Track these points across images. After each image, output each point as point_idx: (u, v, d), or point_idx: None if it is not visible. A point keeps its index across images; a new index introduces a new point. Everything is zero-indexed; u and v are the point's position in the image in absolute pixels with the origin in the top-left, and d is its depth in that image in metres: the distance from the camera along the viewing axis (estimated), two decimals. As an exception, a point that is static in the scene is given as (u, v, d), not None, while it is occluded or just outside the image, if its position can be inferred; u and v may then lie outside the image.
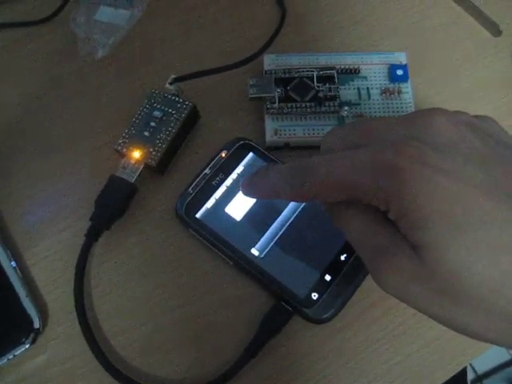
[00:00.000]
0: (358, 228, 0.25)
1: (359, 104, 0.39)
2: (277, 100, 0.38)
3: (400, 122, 0.25)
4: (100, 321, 0.34)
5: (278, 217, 0.35)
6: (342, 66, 0.40)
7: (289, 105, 0.38)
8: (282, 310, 0.33)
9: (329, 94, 0.38)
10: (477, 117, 0.26)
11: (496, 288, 0.20)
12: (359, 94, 0.40)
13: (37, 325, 0.33)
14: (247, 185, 0.30)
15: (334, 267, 0.34)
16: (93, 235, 0.35)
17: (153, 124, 0.37)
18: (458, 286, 0.21)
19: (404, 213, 0.22)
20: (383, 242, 0.23)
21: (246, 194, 0.30)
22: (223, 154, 0.37)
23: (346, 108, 0.38)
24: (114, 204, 0.35)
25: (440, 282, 0.21)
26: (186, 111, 0.38)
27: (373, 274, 0.24)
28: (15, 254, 0.36)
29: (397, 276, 0.22)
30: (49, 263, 0.36)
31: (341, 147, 0.25)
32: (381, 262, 0.23)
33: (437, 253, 0.21)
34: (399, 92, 0.40)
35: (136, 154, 0.36)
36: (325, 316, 0.33)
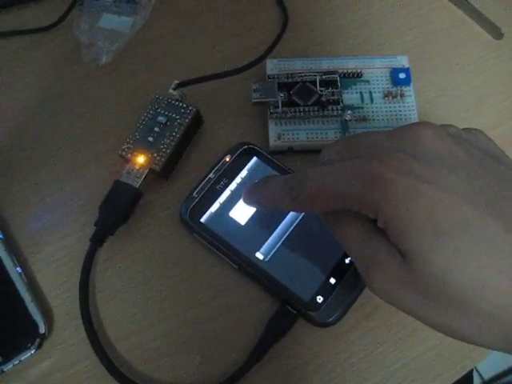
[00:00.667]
0: (350, 236, 0.26)
1: (362, 108, 0.39)
2: (280, 104, 0.38)
3: (389, 135, 0.26)
4: (105, 326, 0.34)
5: (283, 220, 0.35)
6: (345, 70, 0.40)
7: (292, 109, 0.38)
8: (286, 314, 0.33)
9: (332, 97, 0.39)
10: (465, 129, 0.27)
11: (477, 291, 0.21)
12: (362, 97, 0.40)
13: (42, 330, 0.33)
14: (248, 194, 0.32)
15: (339, 270, 0.34)
16: (97, 240, 0.35)
17: (157, 129, 0.37)
18: (443, 290, 0.22)
19: (390, 221, 0.23)
20: (374, 250, 0.24)
21: (247, 203, 0.32)
22: (227, 159, 0.37)
23: (349, 112, 0.38)
24: (118, 209, 0.35)
25: (427, 287, 0.22)
26: (189, 116, 0.38)
27: (365, 280, 0.25)
28: (20, 260, 0.36)
29: (387, 282, 0.24)
30: (54, 269, 0.36)
31: (336, 160, 0.27)
32: (373, 270, 0.24)
33: (422, 259, 0.22)
34: (402, 95, 0.40)
35: (140, 159, 0.36)
36: (330, 319, 0.33)
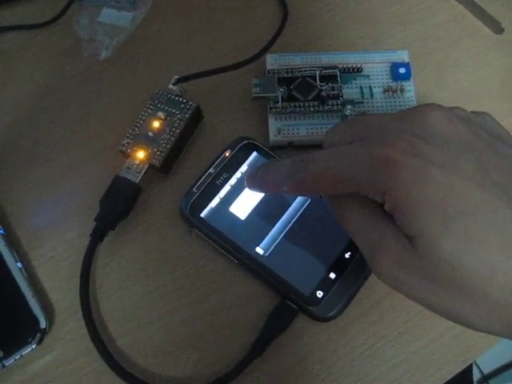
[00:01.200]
0: (356, 220, 0.26)
1: (362, 102, 0.39)
2: (280, 99, 0.38)
3: (396, 117, 0.26)
4: (105, 321, 0.34)
5: (283, 215, 0.35)
6: (345, 65, 0.40)
7: (292, 104, 0.38)
8: (287, 309, 0.33)
9: (332, 92, 0.38)
10: (474, 112, 0.27)
11: (486, 276, 0.21)
12: (362, 92, 0.40)
13: (43, 325, 0.33)
14: (251, 178, 0.31)
15: (339, 265, 0.34)
16: (98, 235, 0.35)
17: (157, 124, 0.37)
18: (451, 275, 0.21)
19: (398, 204, 0.22)
20: (380, 234, 0.24)
21: (250, 187, 0.32)
22: (227, 154, 0.37)
23: (349, 106, 0.38)
24: (118, 204, 0.35)
25: (433, 271, 0.22)
26: (189, 111, 0.37)
27: (371, 264, 0.25)
28: (21, 255, 0.36)
29: (394, 267, 0.23)
30: (54, 264, 0.36)
31: (341, 142, 0.26)
32: (378, 254, 0.24)
33: (430, 243, 0.22)
34: (402, 90, 0.40)
35: (140, 155, 0.36)
36: (330, 314, 0.33)
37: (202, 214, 0.35)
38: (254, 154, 0.37)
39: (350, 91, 0.40)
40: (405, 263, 0.23)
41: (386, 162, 0.22)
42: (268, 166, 0.30)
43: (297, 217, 0.35)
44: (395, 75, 0.40)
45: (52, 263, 0.36)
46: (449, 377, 0.33)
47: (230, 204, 0.36)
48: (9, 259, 0.35)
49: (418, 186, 0.22)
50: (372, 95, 0.40)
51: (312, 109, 0.38)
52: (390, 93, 0.40)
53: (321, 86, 0.38)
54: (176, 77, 0.38)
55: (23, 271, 0.35)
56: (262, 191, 0.32)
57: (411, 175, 0.22)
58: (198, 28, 0.45)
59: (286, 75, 0.39)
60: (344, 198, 0.26)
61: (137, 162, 0.36)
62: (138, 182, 0.36)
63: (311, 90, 0.38)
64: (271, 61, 0.41)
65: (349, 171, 0.24)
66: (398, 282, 0.24)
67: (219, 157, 0.37)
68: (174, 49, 0.44)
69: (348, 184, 0.24)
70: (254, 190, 0.32)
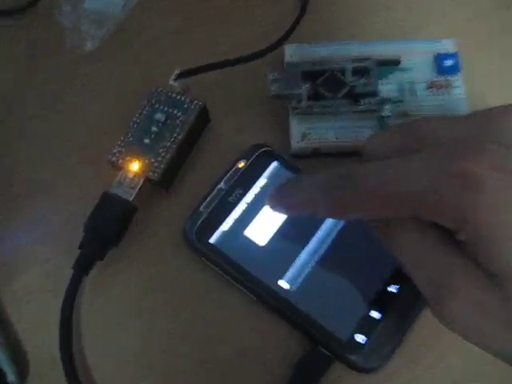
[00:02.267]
0: (415, 252, 0.23)
1: (402, 101, 0.35)
2: (305, 97, 0.34)
3: (463, 121, 0.23)
4: (91, 371, 0.30)
5: (311, 240, 0.31)
6: (380, 57, 0.36)
7: (318, 103, 0.34)
8: (319, 357, 0.29)
9: (366, 89, 0.34)
10: None
11: None
12: (401, 89, 0.36)
13: (11, 378, 0.29)
14: (275, 196, 0.28)
15: (383, 301, 0.30)
16: (82, 267, 0.31)
17: (154, 129, 0.34)
18: None
19: (480, 234, 0.20)
20: (449, 269, 0.21)
21: (273, 207, 0.28)
22: (240, 165, 0.34)
23: (387, 106, 0.34)
24: (107, 228, 0.32)
25: None
26: (194, 112, 0.34)
27: (436, 307, 0.22)
28: (-11, 291, 0.33)
29: (467, 311, 0.21)
30: (29, 302, 0.32)
31: (388, 154, 0.24)
32: (445, 293, 0.21)
33: None
34: (449, 86, 0.35)
35: (134, 166, 0.33)
36: (374, 363, 0.28)
37: (212, 240, 0.32)
38: (274, 164, 0.34)
39: (386, 88, 0.35)
40: (482, 306, 0.20)
41: (464, 178, 0.19)
42: (297, 181, 0.27)
43: (329, 241, 0.31)
44: (440, 68, 0.36)
45: (27, 301, 0.32)
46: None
47: (246, 226, 0.32)
48: (-28, 297, 0.31)
49: (509, 210, 0.19)
50: (413, 92, 0.35)
51: (342, 109, 0.34)
52: (435, 89, 0.35)
53: (352, 81, 0.34)
54: (177, 71, 0.35)
55: (-10, 312, 0.31)
56: (288, 213, 0.29)
57: (500, 196, 0.19)
58: (203, 14, 0.42)
59: (309, 69, 0.35)
60: (398, 224, 0.23)
61: (130, 175, 0.33)
62: (131, 199, 0.33)
63: (341, 87, 0.34)
64: (290, 52, 0.37)
65: (412, 190, 0.21)
66: (473, 331, 0.21)
67: (231, 169, 0.34)
68: (175, 39, 0.41)
69: (408, 206, 0.21)
70: (278, 210, 0.28)
